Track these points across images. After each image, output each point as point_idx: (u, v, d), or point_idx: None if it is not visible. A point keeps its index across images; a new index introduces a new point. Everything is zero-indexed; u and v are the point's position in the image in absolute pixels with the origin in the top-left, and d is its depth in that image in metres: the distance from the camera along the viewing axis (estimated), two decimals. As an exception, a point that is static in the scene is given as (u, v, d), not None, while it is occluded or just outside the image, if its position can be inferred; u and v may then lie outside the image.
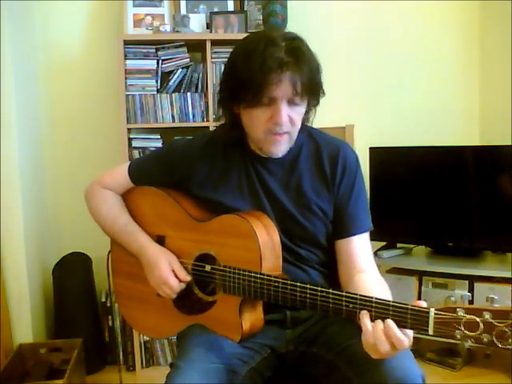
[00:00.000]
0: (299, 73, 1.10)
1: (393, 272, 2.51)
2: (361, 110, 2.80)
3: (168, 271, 1.25)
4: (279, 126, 1.15)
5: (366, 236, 1.26)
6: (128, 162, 1.40)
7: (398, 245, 2.69)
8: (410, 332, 0.95)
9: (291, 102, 1.14)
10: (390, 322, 0.95)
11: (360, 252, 1.23)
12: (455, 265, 2.44)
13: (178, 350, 1.24)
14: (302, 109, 1.17)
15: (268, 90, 1.10)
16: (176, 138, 2.39)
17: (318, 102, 1.22)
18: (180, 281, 1.25)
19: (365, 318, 0.97)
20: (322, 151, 1.27)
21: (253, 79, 1.09)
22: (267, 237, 1.16)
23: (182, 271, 1.26)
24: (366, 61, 2.87)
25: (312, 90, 1.15)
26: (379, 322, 0.96)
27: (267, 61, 1.09)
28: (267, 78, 1.09)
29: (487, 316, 0.88)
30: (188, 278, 1.26)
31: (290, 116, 1.15)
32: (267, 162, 1.26)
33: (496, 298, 0.93)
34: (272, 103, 1.13)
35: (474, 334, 0.89)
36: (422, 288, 2.50)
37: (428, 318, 0.92)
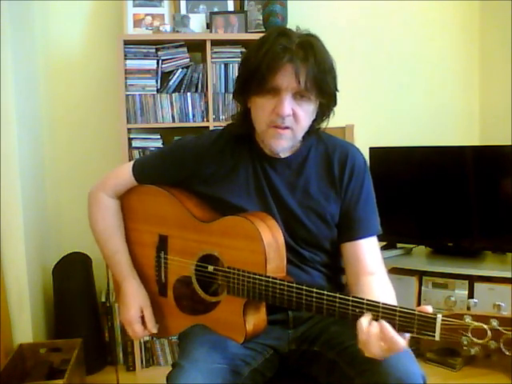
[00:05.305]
0: (305, 65, 1.10)
1: (393, 272, 2.51)
2: (361, 110, 2.80)
3: (136, 318, 1.30)
4: (281, 118, 1.14)
5: (373, 239, 1.25)
6: (132, 162, 1.39)
7: (398, 245, 2.69)
8: (407, 335, 0.95)
9: (297, 96, 1.14)
10: (384, 322, 0.95)
11: (367, 255, 1.23)
12: (455, 265, 2.44)
13: (181, 350, 1.24)
14: (308, 106, 1.16)
15: (271, 76, 1.11)
16: (176, 137, 2.40)
17: (329, 106, 1.21)
18: (145, 328, 1.31)
19: (362, 317, 0.98)
20: (332, 154, 1.27)
21: (258, 65, 1.11)
22: (272, 238, 1.15)
23: (151, 322, 1.31)
24: (366, 61, 2.87)
25: (320, 88, 1.14)
26: (374, 323, 0.96)
27: (273, 48, 1.10)
28: (270, 64, 1.10)
29: (494, 323, 0.88)
30: (154, 330, 1.32)
31: (295, 111, 1.14)
32: (275, 162, 1.25)
33: (503, 305, 0.93)
34: (277, 94, 1.13)
35: (481, 341, 0.89)
36: (422, 288, 2.51)
37: (435, 324, 0.92)
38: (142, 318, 1.32)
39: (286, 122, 1.15)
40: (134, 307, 1.30)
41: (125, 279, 1.34)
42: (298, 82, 1.11)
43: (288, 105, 1.13)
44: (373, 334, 0.95)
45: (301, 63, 1.10)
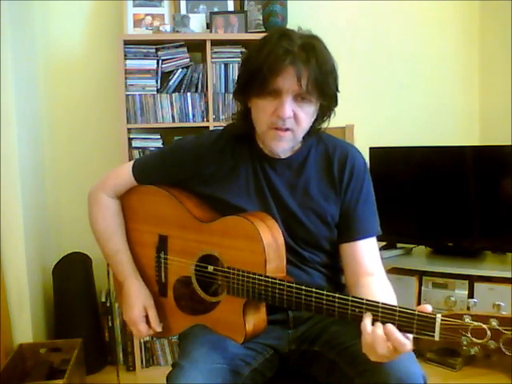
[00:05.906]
0: (306, 67, 1.10)
1: (393, 272, 2.51)
2: (361, 110, 2.80)
3: (140, 317, 1.30)
4: (282, 120, 1.14)
5: (372, 240, 1.25)
6: (131, 162, 1.39)
7: (398, 245, 2.69)
8: (410, 335, 0.95)
9: (298, 98, 1.14)
10: (390, 325, 0.95)
11: (366, 256, 1.22)
12: (455, 265, 2.44)
13: (181, 350, 1.25)
14: (309, 108, 1.16)
15: (272, 78, 1.10)
16: (176, 137, 2.40)
17: (330, 107, 1.21)
18: (150, 327, 1.30)
19: (366, 319, 0.98)
20: (331, 155, 1.26)
21: (259, 67, 1.11)
22: (272, 239, 1.15)
23: (156, 321, 1.31)
24: (366, 61, 2.87)
25: (321, 90, 1.13)
26: (379, 325, 0.96)
27: (275, 49, 1.10)
28: (272, 66, 1.10)
29: (494, 323, 0.88)
30: (159, 329, 1.31)
31: (295, 112, 1.14)
32: (275, 163, 1.25)
33: (503, 305, 0.93)
34: (278, 96, 1.13)
35: (480, 341, 0.88)
36: (422, 288, 2.51)
37: (434, 323, 0.92)
38: (146, 317, 1.31)
39: (287, 123, 1.15)
40: (138, 307, 1.30)
41: (127, 279, 1.34)
42: (299, 85, 1.10)
43: (289, 107, 1.13)
44: (378, 335, 0.94)
45: (302, 66, 1.10)
